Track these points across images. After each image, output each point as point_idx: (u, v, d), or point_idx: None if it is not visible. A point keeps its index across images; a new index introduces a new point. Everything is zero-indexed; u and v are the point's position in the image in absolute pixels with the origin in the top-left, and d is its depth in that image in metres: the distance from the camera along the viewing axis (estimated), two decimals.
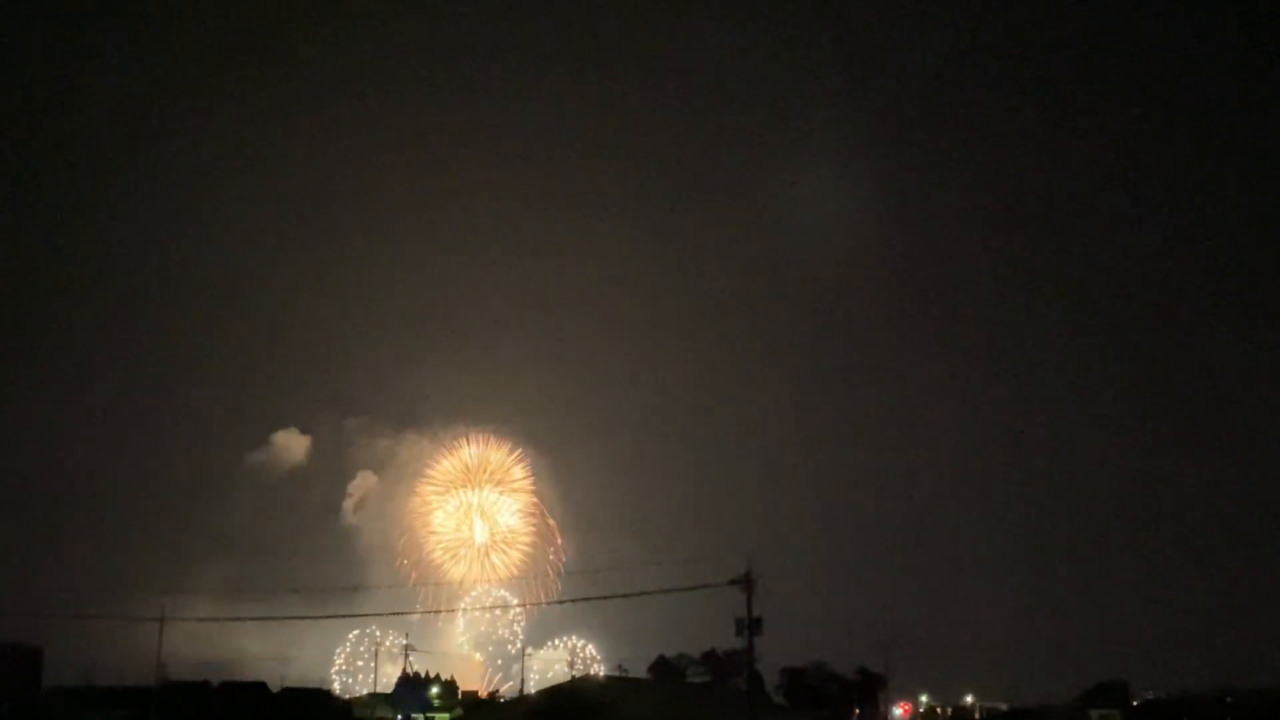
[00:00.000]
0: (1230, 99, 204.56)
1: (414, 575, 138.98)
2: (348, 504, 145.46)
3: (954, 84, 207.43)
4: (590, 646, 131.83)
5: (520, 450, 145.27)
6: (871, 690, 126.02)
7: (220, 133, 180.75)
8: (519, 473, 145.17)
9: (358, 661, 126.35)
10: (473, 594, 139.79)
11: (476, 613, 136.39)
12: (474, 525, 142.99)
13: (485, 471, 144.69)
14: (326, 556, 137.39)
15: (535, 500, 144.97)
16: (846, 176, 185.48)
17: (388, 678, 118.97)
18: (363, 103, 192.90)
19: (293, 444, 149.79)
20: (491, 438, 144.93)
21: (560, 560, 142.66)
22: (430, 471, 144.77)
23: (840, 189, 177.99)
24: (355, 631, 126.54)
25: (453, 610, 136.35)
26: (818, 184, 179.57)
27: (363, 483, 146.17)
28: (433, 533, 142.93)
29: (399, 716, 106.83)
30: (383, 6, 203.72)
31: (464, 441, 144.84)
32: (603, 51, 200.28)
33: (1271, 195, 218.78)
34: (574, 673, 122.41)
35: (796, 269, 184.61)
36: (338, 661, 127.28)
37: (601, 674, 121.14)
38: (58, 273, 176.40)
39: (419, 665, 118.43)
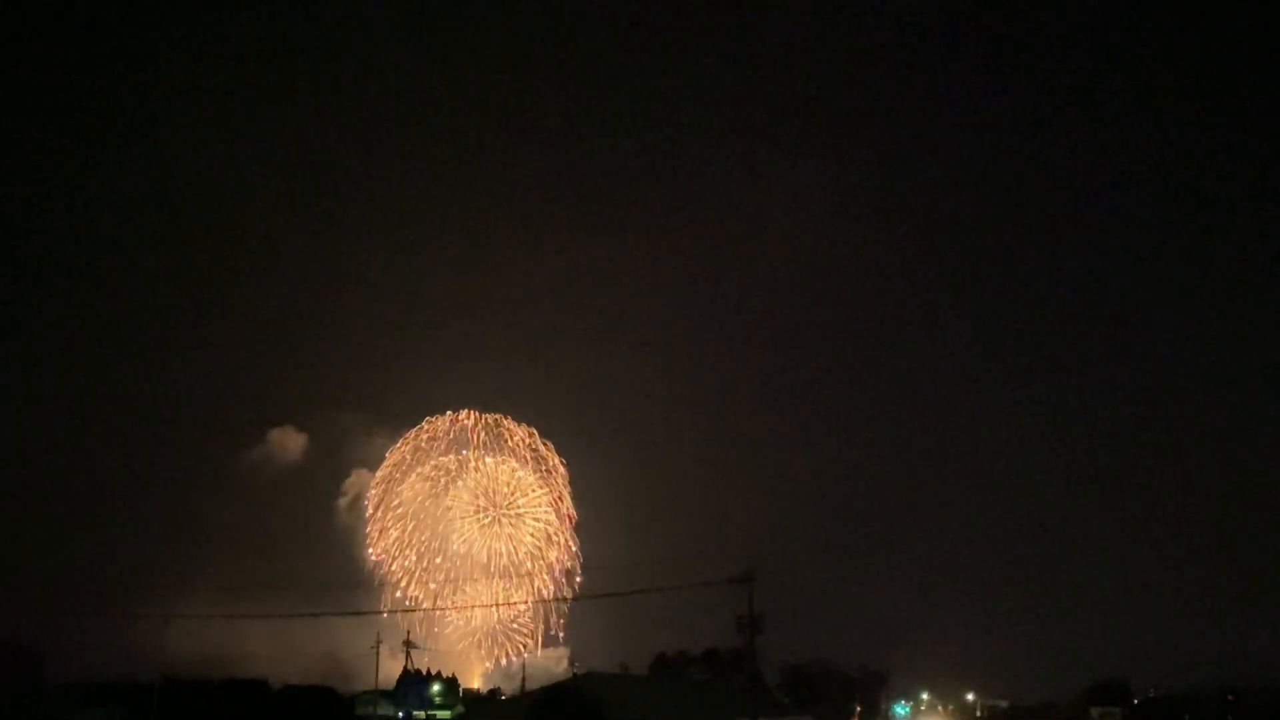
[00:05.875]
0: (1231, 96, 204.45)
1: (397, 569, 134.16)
2: (342, 502, 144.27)
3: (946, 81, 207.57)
4: (591, 644, 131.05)
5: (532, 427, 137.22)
6: (872, 688, 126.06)
7: (219, 128, 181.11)
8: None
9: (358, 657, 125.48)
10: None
11: (477, 610, 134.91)
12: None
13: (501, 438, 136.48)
14: (326, 553, 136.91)
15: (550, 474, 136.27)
16: (849, 177, 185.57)
17: (389, 674, 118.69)
18: (361, 100, 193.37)
19: (289, 442, 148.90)
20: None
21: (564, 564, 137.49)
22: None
23: (842, 188, 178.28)
24: (356, 628, 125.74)
25: (453, 609, 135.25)
26: (819, 187, 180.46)
27: (357, 480, 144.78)
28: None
29: (400, 714, 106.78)
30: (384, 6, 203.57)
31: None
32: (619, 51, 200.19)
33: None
34: (575, 670, 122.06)
35: (800, 270, 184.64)
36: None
37: (603, 671, 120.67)
38: (56, 271, 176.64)
39: (420, 662, 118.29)
